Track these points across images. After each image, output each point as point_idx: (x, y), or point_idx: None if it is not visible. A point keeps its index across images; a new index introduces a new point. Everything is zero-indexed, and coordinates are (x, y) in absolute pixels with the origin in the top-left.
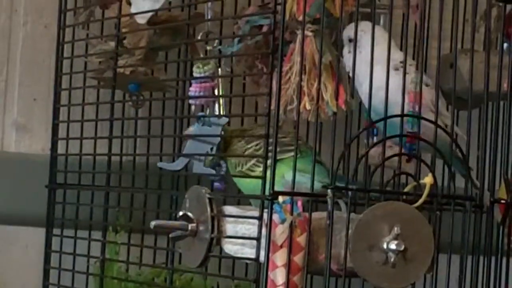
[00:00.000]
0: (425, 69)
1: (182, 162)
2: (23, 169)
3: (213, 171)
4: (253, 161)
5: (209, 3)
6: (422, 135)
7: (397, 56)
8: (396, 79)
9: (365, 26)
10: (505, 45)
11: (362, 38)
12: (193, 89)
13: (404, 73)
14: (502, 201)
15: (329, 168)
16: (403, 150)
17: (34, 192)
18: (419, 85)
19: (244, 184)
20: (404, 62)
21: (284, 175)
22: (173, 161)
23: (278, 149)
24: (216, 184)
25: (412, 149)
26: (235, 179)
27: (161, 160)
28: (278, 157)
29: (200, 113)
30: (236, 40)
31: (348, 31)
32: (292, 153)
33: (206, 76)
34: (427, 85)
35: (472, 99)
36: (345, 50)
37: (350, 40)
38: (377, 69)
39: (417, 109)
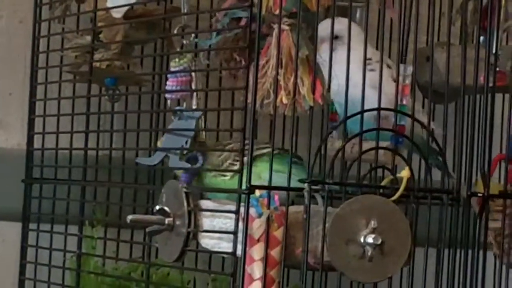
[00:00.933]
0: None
1: (158, 156)
2: None
3: (189, 165)
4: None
5: None
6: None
7: (368, 53)
8: (361, 76)
9: (344, 24)
10: (482, 38)
11: (343, 37)
12: (170, 84)
13: (381, 69)
14: (479, 194)
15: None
16: (389, 144)
17: (10, 187)
18: (408, 79)
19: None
20: (381, 59)
21: (260, 175)
22: (150, 155)
23: (255, 147)
24: (182, 175)
25: (399, 142)
26: (211, 182)
27: (137, 154)
28: (255, 153)
29: (177, 107)
30: (214, 32)
31: (327, 29)
32: (269, 149)
33: (182, 70)
34: (394, 81)
35: (448, 92)
36: (323, 48)
37: (336, 37)
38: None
39: (404, 102)
